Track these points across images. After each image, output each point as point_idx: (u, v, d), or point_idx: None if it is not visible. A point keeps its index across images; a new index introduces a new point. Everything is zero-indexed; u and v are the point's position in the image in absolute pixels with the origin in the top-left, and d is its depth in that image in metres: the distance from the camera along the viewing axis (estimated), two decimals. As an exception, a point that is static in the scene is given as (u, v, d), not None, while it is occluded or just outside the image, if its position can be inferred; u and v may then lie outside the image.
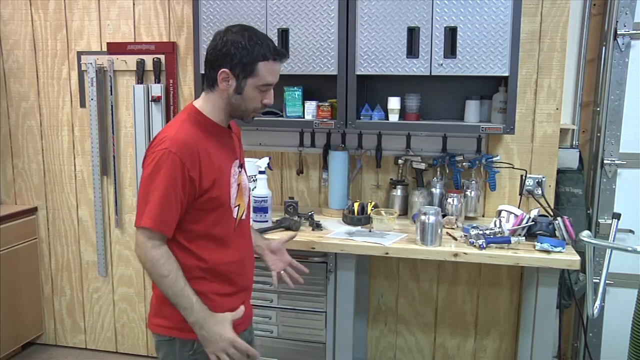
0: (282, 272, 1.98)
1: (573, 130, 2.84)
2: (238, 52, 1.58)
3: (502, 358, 2.94)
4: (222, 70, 1.60)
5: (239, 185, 1.71)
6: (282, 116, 2.76)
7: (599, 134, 2.80)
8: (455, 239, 2.41)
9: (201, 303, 1.57)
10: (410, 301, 3.00)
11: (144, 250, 1.55)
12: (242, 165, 1.76)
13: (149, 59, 3.07)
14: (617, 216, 2.26)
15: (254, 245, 1.92)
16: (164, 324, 1.67)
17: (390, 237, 2.44)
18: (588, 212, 2.86)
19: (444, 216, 2.47)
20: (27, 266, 3.34)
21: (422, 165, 2.76)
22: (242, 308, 1.67)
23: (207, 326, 1.56)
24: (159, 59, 3.05)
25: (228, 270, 1.69)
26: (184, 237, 1.62)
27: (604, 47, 2.75)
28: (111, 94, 3.17)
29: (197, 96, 2.74)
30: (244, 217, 1.75)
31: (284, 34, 2.60)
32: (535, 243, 2.28)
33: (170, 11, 3.05)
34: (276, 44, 1.72)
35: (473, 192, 2.72)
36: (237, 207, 1.70)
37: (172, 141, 1.55)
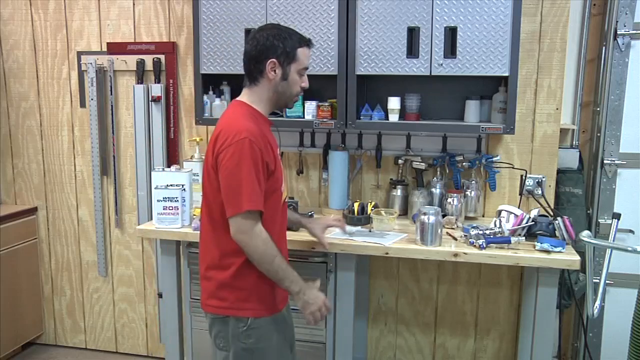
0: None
1: (573, 130, 2.84)
2: (280, 42, 1.82)
3: (502, 358, 2.94)
4: (270, 60, 1.82)
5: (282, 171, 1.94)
6: (282, 116, 2.76)
7: (599, 134, 2.80)
8: (455, 239, 2.41)
9: (298, 275, 1.83)
10: (410, 301, 3.00)
11: (252, 234, 1.74)
12: (281, 155, 2.02)
13: (149, 59, 3.07)
14: (617, 216, 2.26)
15: (296, 222, 2.30)
16: (220, 305, 1.87)
17: (391, 237, 2.44)
18: (588, 212, 2.86)
19: (444, 216, 2.47)
20: (27, 266, 3.34)
21: (422, 165, 2.76)
22: (318, 280, 1.93)
23: (308, 292, 1.84)
24: (159, 59, 3.05)
25: (278, 248, 1.85)
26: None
27: (604, 47, 2.75)
28: (111, 94, 3.17)
29: (197, 96, 2.76)
30: (286, 199, 2.00)
31: (284, 34, 2.60)
32: (535, 243, 2.28)
33: (170, 11, 3.05)
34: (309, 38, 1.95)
35: (473, 192, 2.72)
36: (283, 190, 1.94)
37: (247, 132, 1.74)
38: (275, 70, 1.82)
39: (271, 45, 1.81)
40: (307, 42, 1.89)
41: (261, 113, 1.88)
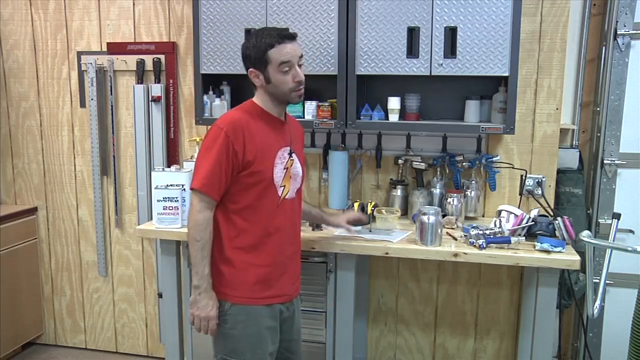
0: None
1: (573, 130, 2.84)
2: (251, 51, 1.89)
3: (502, 358, 2.94)
4: (250, 70, 1.92)
5: (287, 169, 1.96)
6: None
7: (599, 134, 2.80)
8: (455, 239, 2.41)
9: (210, 276, 1.89)
10: (410, 301, 3.00)
11: (192, 211, 1.87)
12: (292, 153, 2.00)
13: (149, 59, 3.07)
14: (617, 216, 2.26)
15: (319, 218, 2.37)
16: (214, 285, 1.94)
17: (397, 234, 2.44)
18: (588, 212, 2.86)
19: (444, 216, 2.47)
20: (27, 266, 3.34)
21: (422, 165, 2.76)
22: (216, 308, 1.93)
23: (204, 295, 1.89)
24: (159, 59, 3.05)
25: (264, 243, 1.93)
26: (231, 208, 1.90)
27: (604, 47, 2.75)
28: (111, 94, 3.17)
29: (197, 96, 2.77)
30: (288, 197, 1.98)
31: (284, 34, 2.60)
32: (535, 243, 2.28)
33: (170, 11, 3.05)
34: (283, 30, 1.93)
35: (473, 192, 2.72)
36: (282, 187, 1.95)
37: (221, 120, 1.88)
38: (258, 77, 1.91)
39: (246, 56, 1.91)
40: (280, 39, 1.87)
41: (264, 110, 1.94)
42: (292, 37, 1.90)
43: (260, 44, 1.87)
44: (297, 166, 2.03)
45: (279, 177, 1.93)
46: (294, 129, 2.10)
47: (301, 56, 1.92)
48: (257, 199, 1.90)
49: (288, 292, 2.04)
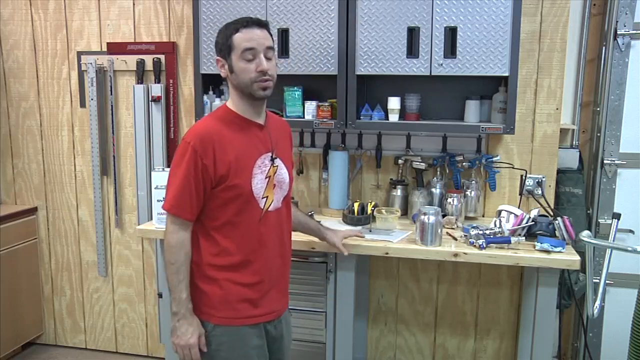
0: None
1: (573, 130, 2.84)
2: (219, 38, 1.77)
3: (502, 358, 2.94)
4: (216, 60, 1.79)
5: (269, 177, 1.80)
6: (282, 116, 2.76)
7: (599, 134, 2.80)
8: (455, 239, 2.41)
9: (189, 301, 1.76)
10: (410, 301, 3.00)
11: (166, 233, 1.75)
12: (275, 159, 1.83)
13: (149, 59, 3.07)
14: (617, 216, 2.26)
15: (316, 231, 2.20)
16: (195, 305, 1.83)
17: (397, 234, 2.44)
18: (588, 212, 2.86)
19: (444, 216, 2.47)
20: (27, 266, 3.34)
21: (422, 165, 2.76)
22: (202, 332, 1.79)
23: (183, 321, 1.76)
24: (159, 59, 3.05)
25: (248, 260, 1.79)
26: (209, 225, 1.77)
27: (604, 47, 2.75)
28: (111, 94, 3.17)
29: (197, 96, 2.76)
30: (272, 208, 1.82)
31: (284, 34, 2.60)
32: (535, 243, 2.28)
33: (170, 11, 3.05)
34: (257, 18, 1.79)
35: (473, 192, 2.72)
36: (264, 199, 1.79)
37: (189, 133, 1.74)
38: (224, 67, 1.78)
39: (215, 43, 1.80)
40: (244, 24, 1.73)
41: (238, 114, 1.79)
42: (260, 23, 1.75)
43: (227, 30, 1.75)
44: (283, 172, 1.86)
45: (259, 189, 1.77)
46: (277, 129, 1.91)
47: (271, 48, 1.75)
48: (236, 215, 1.75)
49: (275, 308, 1.89)
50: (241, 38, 1.72)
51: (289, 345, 2.02)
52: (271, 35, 1.78)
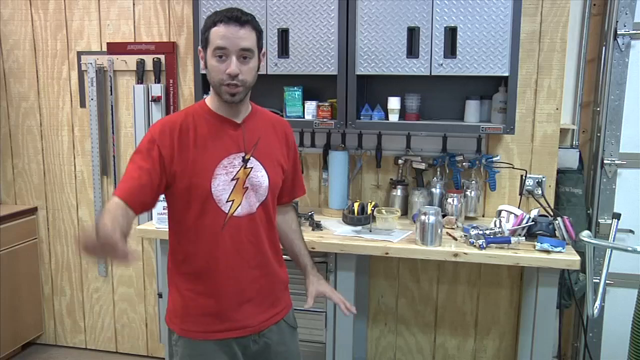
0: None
1: (573, 130, 2.84)
2: (202, 27, 1.64)
3: (502, 358, 2.94)
4: (198, 49, 1.68)
5: (237, 180, 1.64)
6: (282, 116, 2.76)
7: (599, 134, 2.80)
8: (455, 239, 2.41)
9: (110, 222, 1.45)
10: (410, 301, 3.00)
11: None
12: (249, 161, 1.67)
13: (149, 59, 3.07)
14: (617, 216, 2.26)
15: (302, 268, 1.89)
16: (167, 309, 1.76)
17: (397, 234, 2.44)
18: (588, 212, 2.86)
19: (444, 216, 2.47)
20: (27, 266, 3.34)
21: (422, 165, 2.76)
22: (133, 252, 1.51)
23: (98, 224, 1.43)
24: (159, 59, 3.05)
25: (208, 269, 1.65)
26: (176, 229, 1.68)
27: (604, 47, 2.75)
28: (111, 94, 3.17)
29: (197, 96, 2.76)
30: (240, 214, 1.65)
31: (284, 34, 2.60)
32: (535, 243, 2.28)
33: (170, 11, 3.05)
34: (240, 12, 1.61)
35: (473, 192, 2.72)
36: (230, 202, 1.63)
37: (155, 123, 1.67)
38: (202, 59, 1.64)
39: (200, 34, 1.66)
40: (224, 19, 1.57)
41: (211, 110, 1.67)
42: (240, 20, 1.57)
43: (208, 20, 1.61)
44: (259, 175, 1.67)
45: (220, 191, 1.61)
46: (266, 130, 1.74)
47: (248, 50, 1.57)
48: (197, 218, 1.62)
49: (251, 323, 1.70)
50: (216, 34, 1.57)
51: (291, 353, 1.83)
52: (258, 33, 1.62)
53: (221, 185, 1.62)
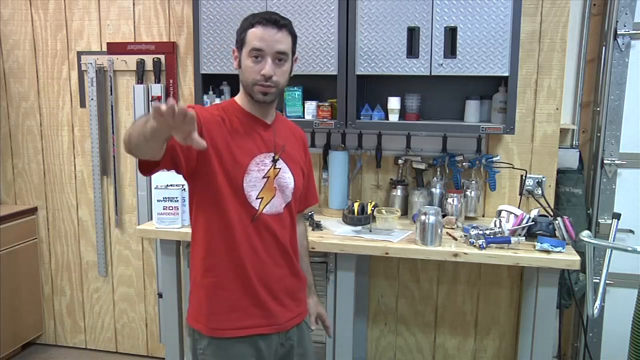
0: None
1: (573, 130, 2.84)
2: (239, 28, 1.67)
3: (502, 358, 2.94)
4: (232, 49, 1.70)
5: (267, 178, 1.67)
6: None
7: (599, 134, 2.80)
8: (455, 239, 2.41)
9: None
10: (410, 301, 3.00)
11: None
12: (278, 161, 1.70)
13: (149, 59, 3.07)
14: (617, 216, 2.26)
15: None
16: (189, 312, 1.73)
17: (397, 234, 2.44)
18: (588, 212, 2.86)
19: (444, 216, 2.47)
20: (27, 266, 3.34)
21: (422, 165, 2.76)
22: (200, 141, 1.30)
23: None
24: (159, 59, 3.05)
25: (236, 265, 1.65)
26: (203, 224, 1.65)
27: (604, 47, 2.75)
28: (111, 94, 3.17)
29: (197, 96, 2.76)
30: (268, 212, 1.68)
31: (284, 34, 2.60)
32: (535, 243, 2.28)
33: (170, 11, 3.05)
34: (275, 14, 1.66)
35: (473, 192, 2.72)
36: (259, 199, 1.66)
37: (195, 106, 1.61)
38: (236, 59, 1.68)
39: (235, 34, 1.70)
40: (261, 20, 1.61)
41: (243, 109, 1.69)
42: (279, 24, 1.62)
43: (246, 21, 1.65)
44: (286, 177, 1.72)
45: (251, 187, 1.64)
46: (288, 134, 1.79)
47: (283, 52, 1.62)
48: (226, 211, 1.62)
49: (279, 321, 1.71)
50: (253, 35, 1.61)
51: (309, 356, 1.84)
52: (293, 38, 1.68)
53: (252, 182, 1.64)
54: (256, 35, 1.60)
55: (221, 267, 1.66)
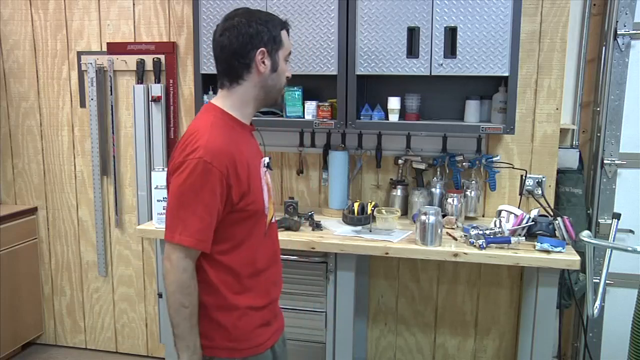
0: None
1: (573, 130, 2.84)
2: (265, 27, 1.52)
3: (502, 358, 2.94)
4: (259, 50, 1.51)
5: (267, 185, 1.60)
6: (282, 116, 2.76)
7: (599, 134, 2.80)
8: (455, 239, 2.41)
9: (199, 347, 1.51)
10: (410, 301, 3.00)
11: (175, 270, 1.44)
12: (268, 165, 1.65)
13: (149, 59, 3.07)
14: (617, 216, 2.26)
15: None
16: (206, 344, 1.55)
17: (397, 234, 2.44)
18: (588, 212, 2.86)
19: (444, 216, 2.47)
20: (27, 266, 3.34)
21: (422, 165, 2.76)
22: None
23: None
24: (159, 59, 3.05)
25: (260, 281, 1.59)
26: (218, 251, 1.51)
27: (604, 47, 2.75)
28: (111, 94, 3.17)
29: (197, 96, 2.76)
30: (273, 220, 1.67)
31: (284, 34, 2.60)
32: (535, 243, 2.28)
33: (170, 11, 3.05)
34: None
35: (473, 192, 2.72)
36: (267, 209, 1.60)
37: (205, 150, 1.43)
38: (264, 61, 1.52)
39: (256, 32, 1.50)
40: (286, 24, 1.59)
41: (238, 120, 1.55)
42: (290, 27, 1.65)
43: (275, 21, 1.54)
44: (269, 179, 1.67)
45: (267, 201, 1.58)
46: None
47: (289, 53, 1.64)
48: (248, 234, 1.54)
49: (282, 322, 1.74)
50: (286, 38, 1.57)
51: None
52: None
53: (265, 196, 1.58)
54: (287, 38, 1.59)
55: (253, 286, 1.58)
